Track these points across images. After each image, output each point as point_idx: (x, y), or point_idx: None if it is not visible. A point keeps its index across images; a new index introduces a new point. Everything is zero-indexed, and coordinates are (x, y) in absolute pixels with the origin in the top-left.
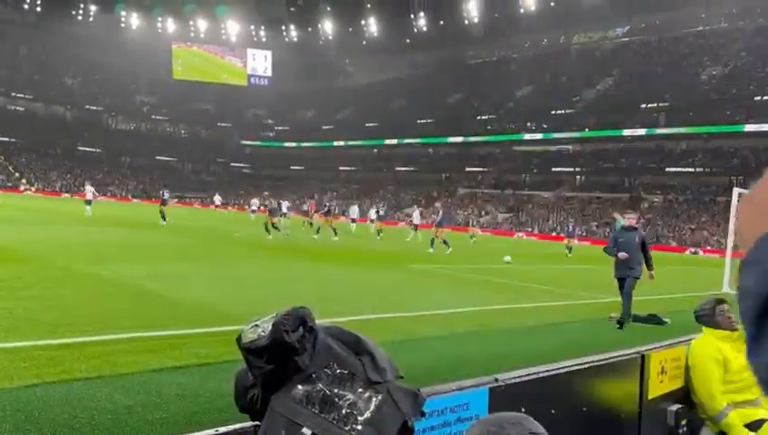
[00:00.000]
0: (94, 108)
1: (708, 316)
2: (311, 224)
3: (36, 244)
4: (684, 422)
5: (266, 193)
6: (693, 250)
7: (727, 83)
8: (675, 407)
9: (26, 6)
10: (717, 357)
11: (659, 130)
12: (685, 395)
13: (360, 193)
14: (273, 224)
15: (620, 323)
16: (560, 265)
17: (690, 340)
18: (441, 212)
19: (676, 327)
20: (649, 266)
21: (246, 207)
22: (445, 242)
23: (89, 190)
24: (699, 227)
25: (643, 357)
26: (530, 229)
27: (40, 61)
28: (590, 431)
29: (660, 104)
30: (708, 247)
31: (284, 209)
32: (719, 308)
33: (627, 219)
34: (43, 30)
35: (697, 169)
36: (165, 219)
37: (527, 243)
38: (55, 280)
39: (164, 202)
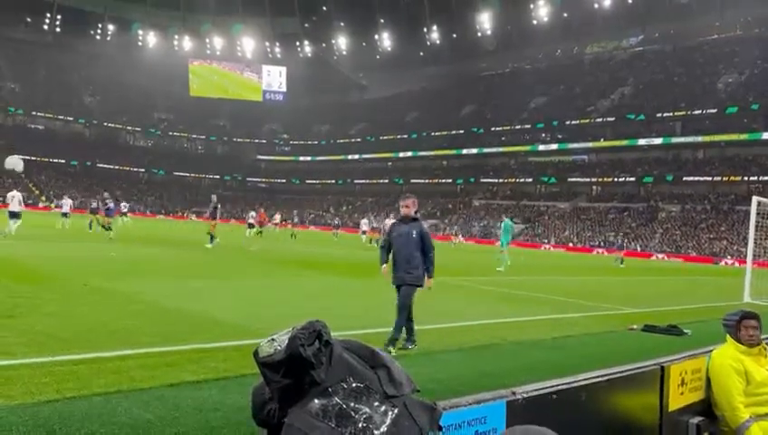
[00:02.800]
0: (112, 125)
1: (733, 328)
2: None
3: (55, 260)
4: None
5: (106, 193)
6: (729, 261)
7: (744, 91)
8: (696, 419)
9: (46, 27)
10: (738, 368)
11: (676, 139)
12: (706, 407)
13: (375, 205)
14: (104, 225)
15: (389, 344)
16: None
17: (711, 351)
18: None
19: (696, 338)
20: (429, 273)
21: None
22: None
23: (66, 203)
24: (718, 237)
25: (663, 369)
26: (547, 241)
27: (59, 80)
28: None
29: (676, 113)
30: (731, 257)
31: (123, 209)
32: (744, 323)
33: (402, 207)
34: (62, 49)
35: (715, 178)
36: (91, 229)
37: (560, 256)
38: (74, 296)
39: (93, 211)
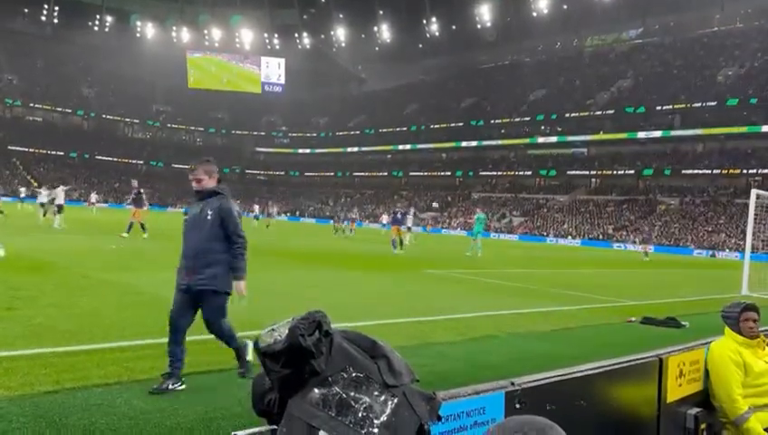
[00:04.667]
0: (111, 117)
1: (733, 320)
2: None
3: (55, 252)
4: (703, 426)
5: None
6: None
7: (744, 84)
8: (694, 411)
9: (43, 18)
10: (737, 360)
11: (675, 132)
12: (704, 399)
13: (374, 198)
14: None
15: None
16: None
17: (709, 343)
18: (399, 213)
19: (694, 330)
20: (236, 272)
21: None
22: (400, 242)
23: (44, 194)
24: (717, 230)
25: (661, 360)
26: (545, 233)
27: (57, 71)
28: None
29: (676, 106)
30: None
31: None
32: (745, 315)
33: (193, 180)
34: (60, 41)
35: (714, 171)
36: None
37: (560, 248)
38: (74, 288)
39: (52, 202)
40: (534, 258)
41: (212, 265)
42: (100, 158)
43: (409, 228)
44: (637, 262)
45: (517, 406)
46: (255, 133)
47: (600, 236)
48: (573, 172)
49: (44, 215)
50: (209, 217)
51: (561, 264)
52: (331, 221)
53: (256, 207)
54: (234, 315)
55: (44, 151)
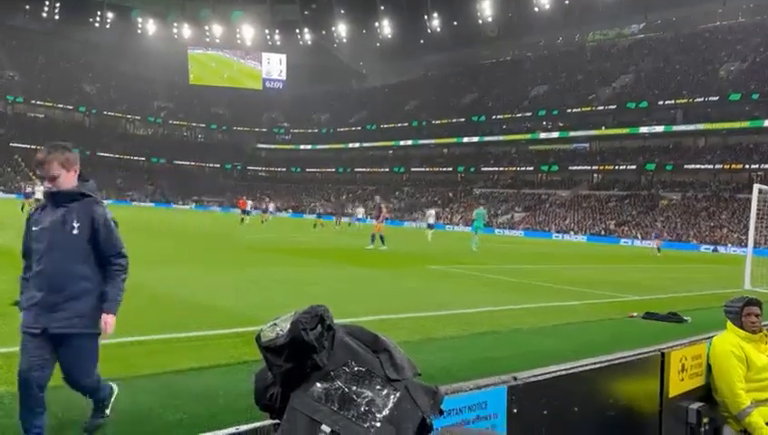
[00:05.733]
0: (112, 113)
1: (735, 314)
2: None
3: None
4: (705, 421)
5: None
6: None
7: (746, 79)
8: (696, 405)
9: (45, 15)
10: (739, 354)
11: (677, 127)
12: (706, 393)
13: (375, 194)
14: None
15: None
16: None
17: (711, 337)
18: (382, 207)
19: (696, 325)
20: (110, 304)
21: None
22: (381, 238)
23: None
24: (719, 225)
25: (663, 355)
26: (547, 229)
27: (58, 68)
28: (611, 430)
29: (678, 101)
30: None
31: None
32: (747, 309)
33: (48, 178)
34: (61, 37)
35: (716, 166)
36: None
37: (564, 244)
38: None
39: (27, 196)
40: (538, 254)
41: (80, 297)
42: (101, 154)
43: (431, 226)
44: (643, 257)
45: (512, 398)
46: (257, 129)
47: (603, 232)
48: (575, 167)
49: (22, 209)
50: (75, 231)
51: (565, 260)
52: (332, 217)
53: (249, 203)
54: (229, 312)
55: None
